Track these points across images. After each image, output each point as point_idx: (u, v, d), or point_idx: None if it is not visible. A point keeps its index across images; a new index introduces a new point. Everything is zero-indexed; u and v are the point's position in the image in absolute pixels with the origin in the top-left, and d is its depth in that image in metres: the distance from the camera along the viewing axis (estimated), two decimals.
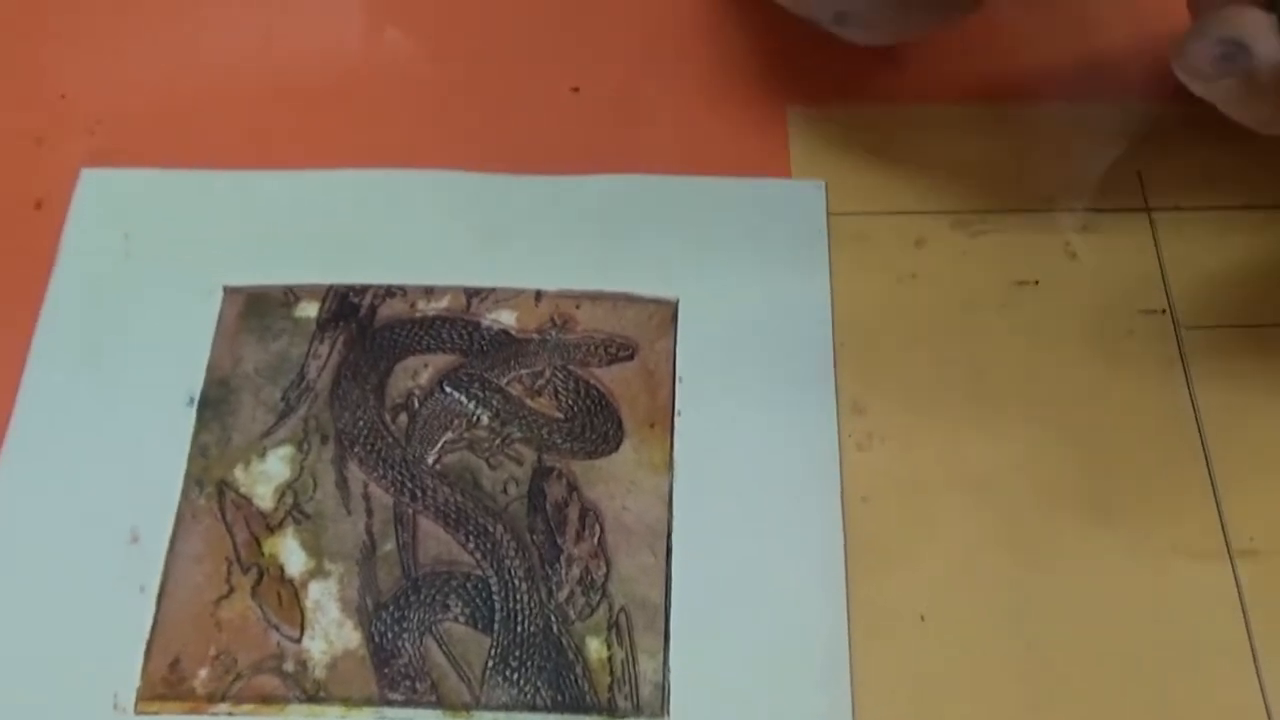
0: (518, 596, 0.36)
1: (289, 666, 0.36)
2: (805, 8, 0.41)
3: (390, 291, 0.41)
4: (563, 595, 0.37)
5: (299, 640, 0.36)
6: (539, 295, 0.41)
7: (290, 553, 0.37)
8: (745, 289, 0.42)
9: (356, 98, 0.45)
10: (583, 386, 0.40)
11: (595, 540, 0.37)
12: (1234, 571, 0.37)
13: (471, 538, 0.37)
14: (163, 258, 0.42)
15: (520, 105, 0.46)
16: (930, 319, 0.41)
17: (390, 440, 0.39)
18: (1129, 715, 0.35)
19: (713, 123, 0.46)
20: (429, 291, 0.41)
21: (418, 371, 0.40)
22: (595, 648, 0.36)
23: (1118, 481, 0.39)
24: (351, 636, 0.36)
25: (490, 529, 0.37)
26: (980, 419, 0.40)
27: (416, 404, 0.39)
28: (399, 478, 0.38)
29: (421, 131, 0.45)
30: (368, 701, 0.35)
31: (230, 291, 0.41)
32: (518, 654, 0.36)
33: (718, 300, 0.41)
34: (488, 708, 0.35)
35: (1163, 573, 0.37)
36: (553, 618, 0.36)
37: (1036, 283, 0.42)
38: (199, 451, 0.39)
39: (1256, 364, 0.41)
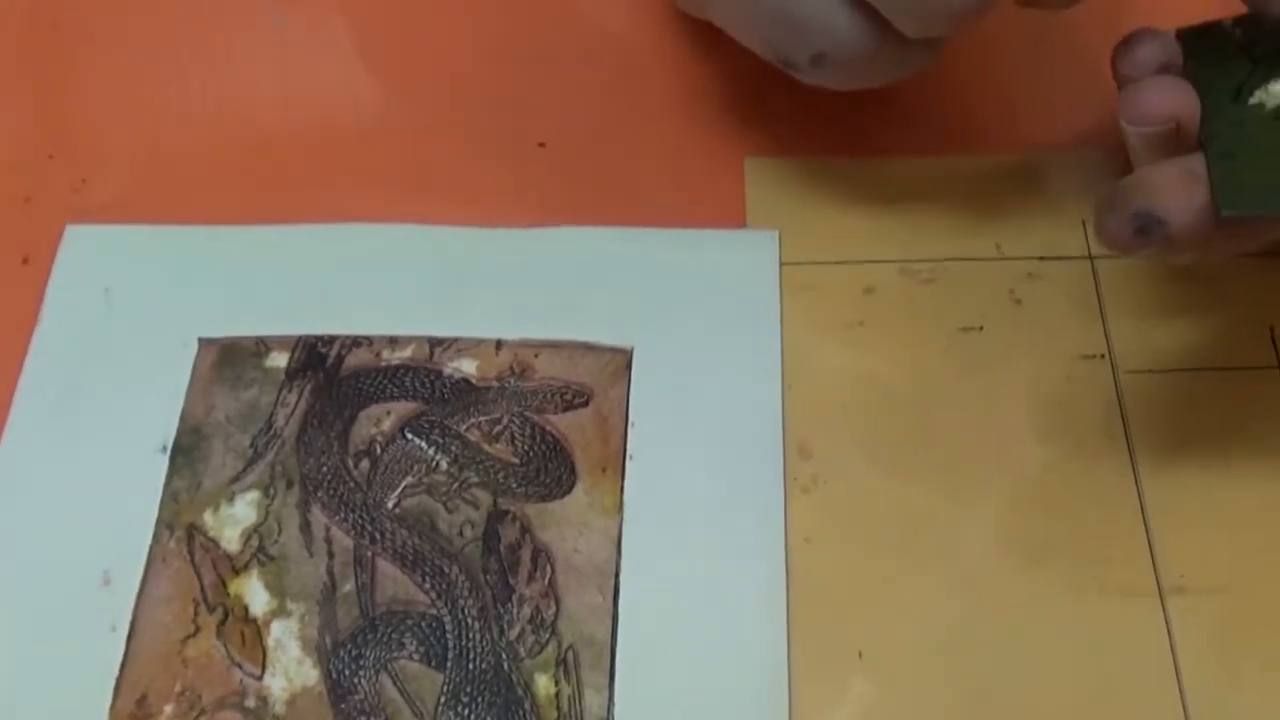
0: (470, 635, 0.38)
1: (250, 703, 0.37)
2: (783, 50, 0.40)
3: (357, 341, 0.43)
4: (514, 633, 0.38)
5: (260, 677, 0.38)
6: (499, 344, 0.43)
7: (254, 593, 0.39)
8: (698, 337, 0.43)
9: (329, 154, 0.47)
10: (538, 432, 0.41)
11: (546, 581, 0.39)
12: (1164, 609, 0.38)
13: (427, 578, 0.39)
14: (141, 310, 0.44)
15: (488, 159, 0.48)
16: (877, 364, 0.43)
17: (352, 485, 0.40)
18: None
19: (673, 174, 0.47)
20: (394, 341, 0.43)
21: (381, 419, 0.42)
22: (544, 684, 0.37)
23: (1054, 522, 0.40)
24: (310, 674, 0.38)
25: (445, 570, 0.39)
26: (922, 462, 0.41)
27: (378, 450, 0.41)
28: (360, 521, 0.40)
29: (390, 186, 0.47)
30: None
31: (205, 343, 0.43)
32: (469, 690, 0.37)
33: (671, 348, 0.43)
34: None
35: (1096, 611, 0.39)
36: (503, 655, 0.38)
37: (981, 328, 0.43)
38: (170, 497, 0.40)
39: (1191, 407, 0.42)
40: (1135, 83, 0.36)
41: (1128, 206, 0.34)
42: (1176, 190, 0.34)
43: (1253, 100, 0.36)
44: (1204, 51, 0.38)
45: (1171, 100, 0.36)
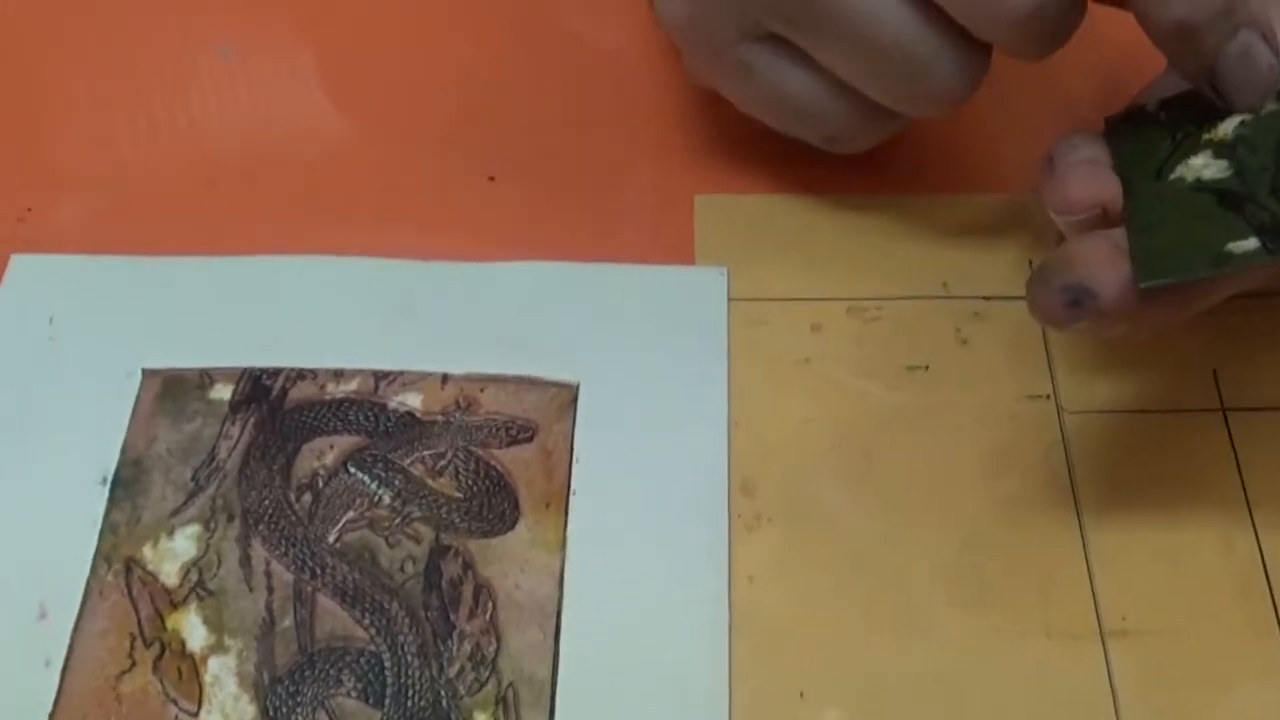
0: (409, 672, 0.38)
1: None
2: (796, 131, 0.45)
3: (301, 374, 0.43)
4: (453, 671, 0.38)
5: (196, 714, 0.37)
6: (445, 378, 0.43)
7: (192, 628, 0.39)
8: (645, 373, 0.43)
9: (276, 186, 0.47)
10: (482, 467, 0.41)
11: (487, 617, 0.39)
12: (1105, 651, 0.39)
13: (367, 614, 0.39)
14: (85, 340, 0.43)
15: (438, 192, 0.48)
16: (823, 402, 0.43)
17: (294, 519, 0.40)
18: None
19: (623, 210, 0.47)
20: (339, 374, 0.43)
21: (324, 452, 0.42)
22: None
23: (998, 563, 0.40)
24: (247, 710, 0.37)
25: (386, 606, 0.39)
26: (865, 500, 0.41)
27: (321, 484, 0.41)
28: (300, 556, 0.40)
29: (338, 218, 0.47)
30: None
31: (149, 374, 0.43)
32: None
33: (618, 384, 0.43)
34: None
35: (1039, 652, 0.39)
36: (443, 692, 0.38)
37: (927, 368, 0.44)
38: (109, 529, 0.40)
39: (1135, 448, 0.42)
40: (1058, 172, 0.38)
41: (1058, 280, 0.35)
42: (1103, 262, 0.35)
43: (1173, 176, 0.37)
44: (1129, 134, 0.39)
45: (1095, 187, 0.37)
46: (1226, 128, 0.37)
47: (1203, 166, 0.37)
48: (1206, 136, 0.37)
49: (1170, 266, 0.34)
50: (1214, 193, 0.36)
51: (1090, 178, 0.37)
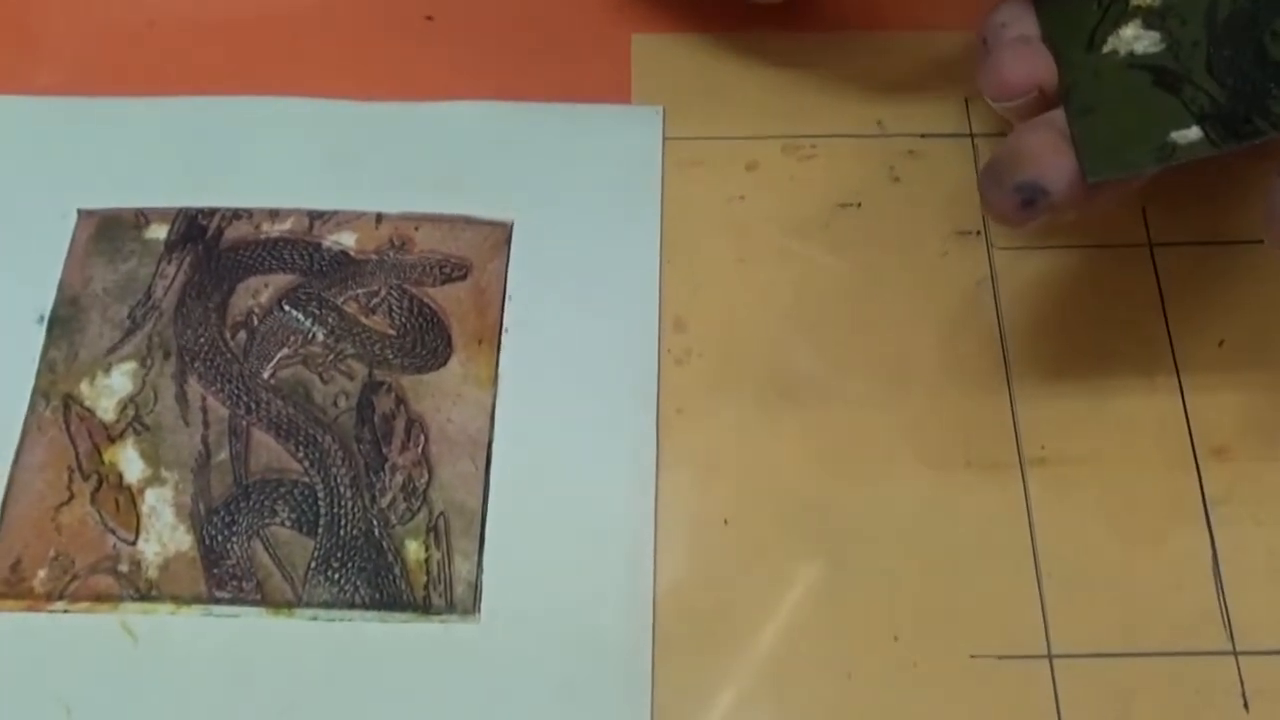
0: (342, 502, 0.39)
1: (123, 567, 0.38)
2: None
3: (237, 214, 0.43)
4: (385, 501, 0.39)
5: (134, 543, 0.38)
6: (379, 218, 0.43)
7: (129, 462, 0.39)
8: (579, 211, 0.43)
9: (214, 26, 0.47)
10: (416, 304, 0.42)
11: (419, 450, 0.39)
12: (1024, 480, 0.39)
13: (301, 447, 0.39)
14: (20, 182, 0.44)
15: (375, 32, 0.47)
16: (755, 240, 0.43)
17: (229, 356, 0.41)
18: (920, 614, 0.38)
19: (561, 50, 0.47)
20: (274, 214, 0.43)
21: (259, 291, 0.42)
22: (414, 550, 0.38)
23: (922, 395, 0.41)
24: (184, 539, 0.38)
25: (319, 439, 0.39)
26: (795, 336, 0.42)
27: (255, 322, 0.41)
28: (235, 391, 0.40)
29: (275, 59, 0.46)
30: (197, 599, 0.38)
31: (84, 214, 0.43)
32: (339, 555, 0.38)
33: (552, 222, 0.43)
34: (309, 605, 0.38)
35: (957, 480, 0.39)
36: (375, 522, 0.38)
37: (859, 205, 0.44)
38: (47, 367, 0.41)
39: (1060, 282, 0.43)
40: (991, 55, 0.36)
41: (1010, 179, 0.34)
42: (1051, 156, 0.34)
43: (1106, 49, 0.36)
44: (1053, 2, 0.38)
45: (1029, 68, 0.36)
46: None
47: (1134, 38, 0.36)
48: (1135, 3, 0.36)
49: (1116, 161, 0.34)
50: (1148, 69, 0.35)
51: (1024, 58, 0.36)
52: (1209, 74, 0.34)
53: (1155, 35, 0.36)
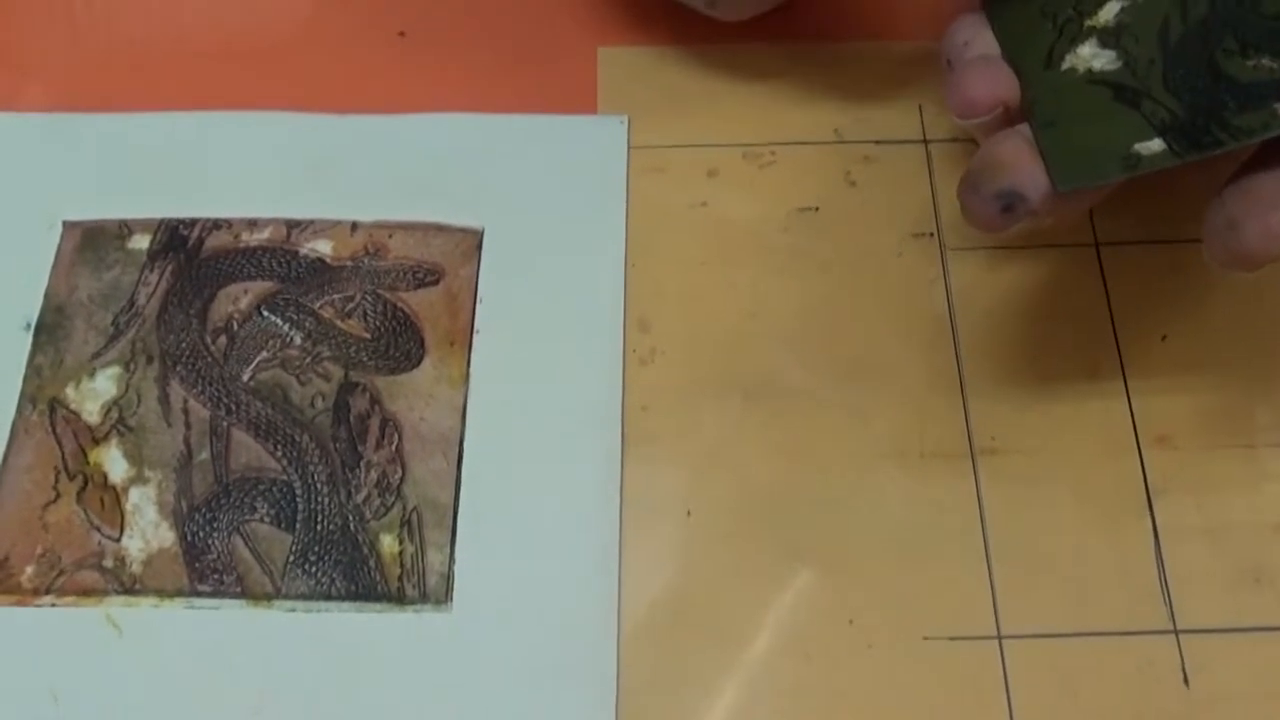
0: (319, 498, 0.40)
1: (108, 563, 0.39)
2: None
3: (217, 224, 0.45)
4: (361, 497, 0.40)
5: (118, 539, 0.40)
6: (355, 226, 0.45)
7: (114, 462, 0.41)
8: (547, 217, 0.45)
9: (192, 43, 0.49)
10: (389, 308, 0.43)
11: (393, 448, 0.41)
12: (975, 469, 0.41)
13: (279, 446, 0.41)
14: (6, 195, 0.45)
15: (349, 47, 0.49)
16: (717, 244, 0.45)
17: (210, 360, 0.42)
18: (875, 598, 0.39)
19: (530, 64, 0.49)
20: (253, 224, 0.45)
21: (238, 297, 0.44)
22: (388, 543, 0.40)
23: (878, 389, 0.43)
24: (167, 536, 0.40)
25: (297, 438, 0.41)
26: (756, 334, 0.43)
27: (235, 326, 0.43)
28: (216, 393, 0.42)
29: (252, 73, 0.48)
30: (179, 593, 0.39)
31: (69, 226, 0.45)
32: (317, 549, 0.40)
33: (521, 228, 0.45)
34: (288, 597, 0.39)
35: (912, 470, 0.41)
36: (350, 517, 0.40)
37: (817, 209, 0.46)
38: (34, 372, 0.42)
39: (1010, 281, 0.44)
40: (955, 74, 0.38)
41: (989, 187, 0.35)
42: (1025, 163, 0.35)
43: (1064, 65, 0.37)
44: (1008, 18, 0.39)
45: (992, 86, 0.37)
46: (1107, 14, 0.37)
47: (1091, 56, 0.37)
48: (1089, 23, 0.37)
49: (1084, 170, 0.35)
50: (1108, 85, 0.36)
51: (987, 77, 0.37)
52: (1166, 89, 0.35)
53: (1111, 54, 0.37)
